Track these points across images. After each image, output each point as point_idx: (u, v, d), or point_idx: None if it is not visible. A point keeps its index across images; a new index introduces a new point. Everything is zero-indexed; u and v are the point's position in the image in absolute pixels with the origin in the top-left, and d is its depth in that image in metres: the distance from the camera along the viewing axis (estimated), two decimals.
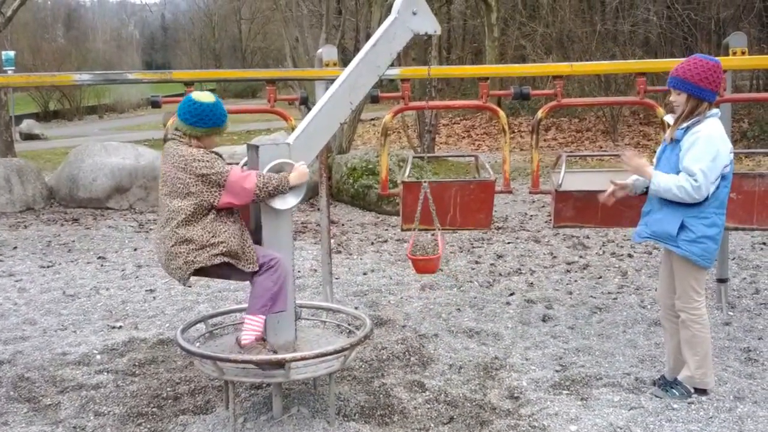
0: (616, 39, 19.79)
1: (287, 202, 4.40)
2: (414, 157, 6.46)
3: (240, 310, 5.50)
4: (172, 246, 4.27)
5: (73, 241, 9.71)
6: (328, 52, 6.32)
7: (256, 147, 4.45)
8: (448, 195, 5.71)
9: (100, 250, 9.27)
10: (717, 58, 4.53)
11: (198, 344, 4.81)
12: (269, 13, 38.66)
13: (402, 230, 6.06)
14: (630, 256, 8.26)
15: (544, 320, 6.23)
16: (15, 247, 9.43)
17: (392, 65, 5.25)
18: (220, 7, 43.44)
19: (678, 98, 4.43)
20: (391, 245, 9.13)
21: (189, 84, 5.93)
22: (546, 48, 21.87)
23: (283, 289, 4.40)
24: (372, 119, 22.05)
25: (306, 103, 6.57)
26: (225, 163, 4.37)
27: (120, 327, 6.46)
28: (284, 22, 13.00)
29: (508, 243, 8.97)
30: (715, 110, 4.46)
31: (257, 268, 4.35)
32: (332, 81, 5.76)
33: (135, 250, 9.22)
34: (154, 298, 7.29)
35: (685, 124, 4.41)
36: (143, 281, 7.87)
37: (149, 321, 6.59)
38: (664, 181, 4.38)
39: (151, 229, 10.30)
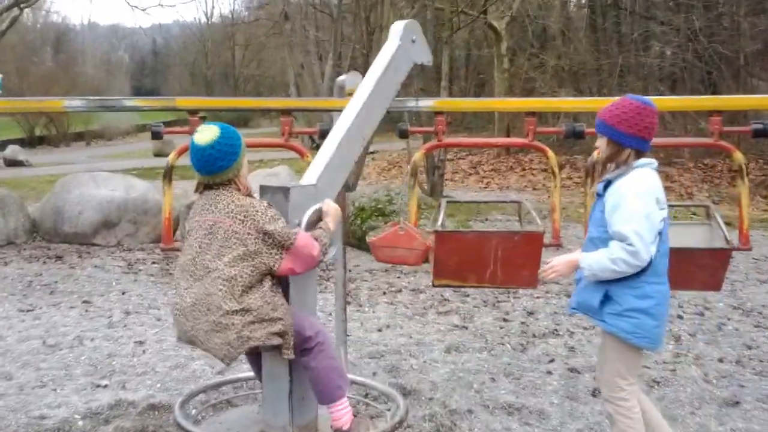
0: (637, 73, 19.09)
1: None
2: (448, 202, 5.66)
3: (246, 379, 4.83)
4: (222, 315, 3.50)
5: (56, 281, 8.89)
6: (352, 79, 5.54)
7: (286, 189, 3.81)
8: (488, 248, 4.94)
9: (85, 292, 8.45)
10: (649, 99, 3.87)
11: (199, 417, 4.11)
12: (264, 39, 38.25)
13: (433, 286, 5.30)
14: (680, 317, 7.33)
15: (594, 395, 5.38)
16: None
17: (416, 96, 4.73)
18: (214, 33, 42.86)
19: (600, 143, 3.83)
20: (405, 296, 8.32)
21: (193, 113, 5.19)
22: (558, 80, 21.18)
23: (339, 359, 3.92)
24: (371, 152, 21.25)
25: (325, 136, 5.76)
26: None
27: (105, 386, 5.70)
28: (289, 47, 12.24)
29: (538, 297, 8.11)
30: (645, 160, 3.74)
31: (293, 356, 3.70)
32: None
33: (123, 293, 8.40)
34: (143, 351, 6.51)
35: (607, 176, 3.77)
36: (132, 331, 7.08)
37: (138, 379, 5.82)
38: (595, 261, 3.67)
39: (140, 270, 9.49)
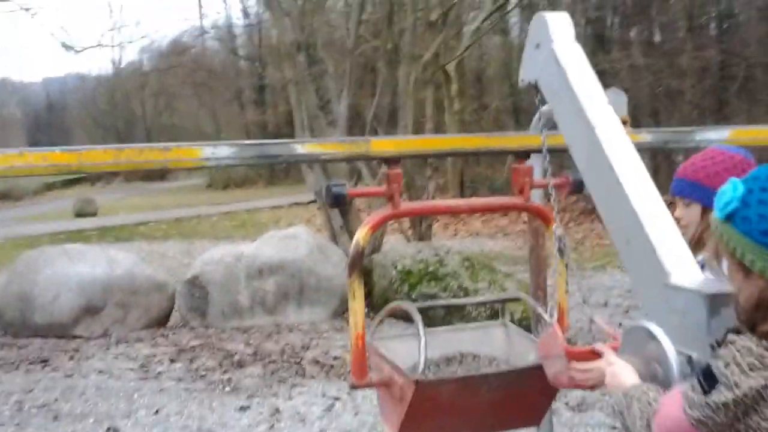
0: None
1: None
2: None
3: None
4: None
5: (56, 399, 6.59)
6: (616, 99, 3.56)
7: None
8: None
9: (103, 414, 6.23)
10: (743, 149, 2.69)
11: None
12: (178, 88, 36.00)
13: None
14: None
15: None
16: None
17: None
18: (124, 82, 40.13)
19: (687, 213, 2.76)
20: None
21: (394, 161, 3.15)
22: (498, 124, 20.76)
23: None
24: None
25: (581, 189, 3.69)
26: None
27: None
28: (298, 84, 10.13)
29: None
30: None
31: None
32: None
33: (156, 412, 6.22)
34: None
35: (700, 257, 2.60)
36: None
37: None
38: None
39: (159, 373, 7.24)
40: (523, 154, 3.24)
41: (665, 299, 2.12)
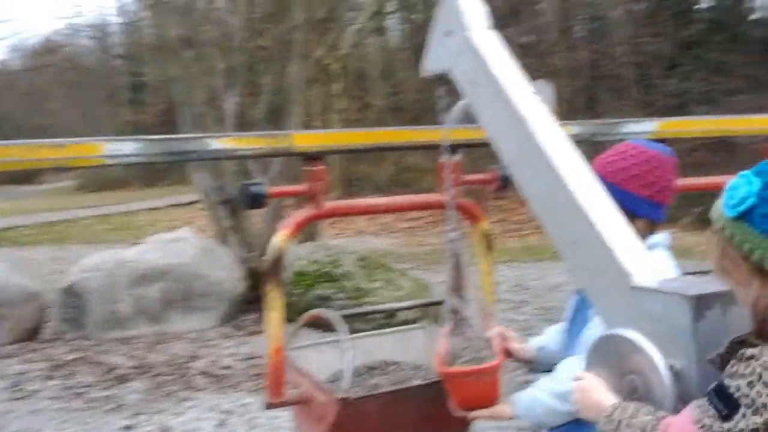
0: None
1: None
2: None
3: None
4: None
5: None
6: (544, 90, 3.34)
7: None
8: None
9: None
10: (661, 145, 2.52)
11: None
12: (49, 88, 34.61)
13: None
14: None
15: None
16: None
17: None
18: None
19: None
20: None
21: (316, 158, 2.85)
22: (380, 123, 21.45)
23: None
24: None
25: (507, 184, 3.40)
26: None
27: None
28: (184, 81, 9.58)
29: None
30: (660, 236, 2.44)
31: None
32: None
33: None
34: None
35: None
36: None
37: None
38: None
39: (35, 392, 6.65)
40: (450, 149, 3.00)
41: (630, 304, 1.87)
